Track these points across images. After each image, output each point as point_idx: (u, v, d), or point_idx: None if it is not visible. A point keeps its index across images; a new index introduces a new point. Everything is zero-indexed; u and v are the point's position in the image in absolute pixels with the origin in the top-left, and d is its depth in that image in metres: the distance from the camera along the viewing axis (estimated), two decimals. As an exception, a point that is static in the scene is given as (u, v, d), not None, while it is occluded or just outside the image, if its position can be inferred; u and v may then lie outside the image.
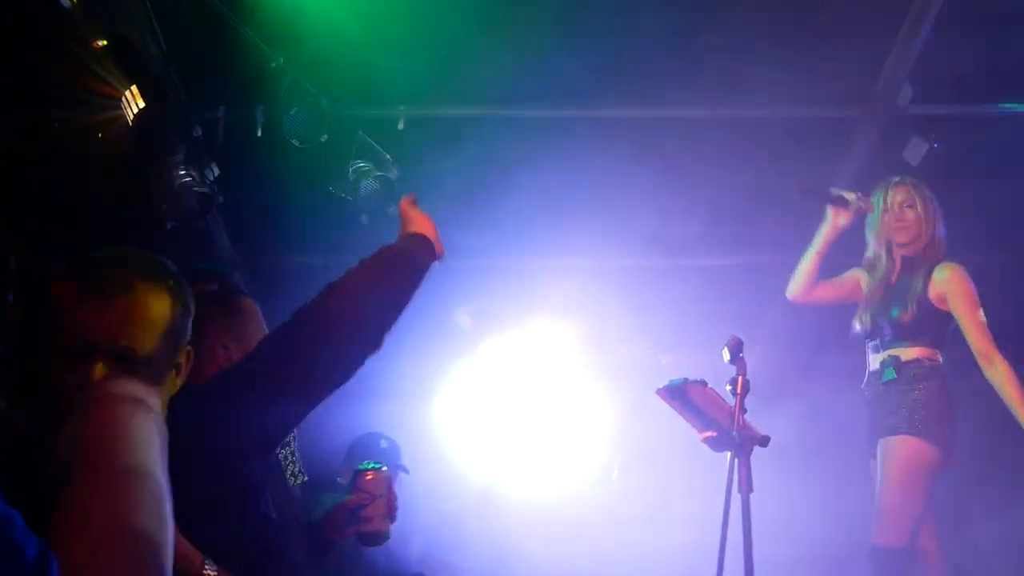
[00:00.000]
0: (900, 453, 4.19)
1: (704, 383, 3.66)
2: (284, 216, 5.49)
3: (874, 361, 4.41)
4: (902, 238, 4.49)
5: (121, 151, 4.56)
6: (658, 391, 3.79)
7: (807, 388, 6.06)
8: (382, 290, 2.28)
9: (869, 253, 4.62)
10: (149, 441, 1.25)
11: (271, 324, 5.90)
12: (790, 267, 4.99)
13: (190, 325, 1.86)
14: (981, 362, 4.19)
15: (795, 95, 5.21)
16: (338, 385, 2.24)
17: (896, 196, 4.56)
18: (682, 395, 3.69)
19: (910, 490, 4.17)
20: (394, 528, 2.86)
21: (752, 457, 3.50)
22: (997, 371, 4.13)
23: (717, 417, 3.63)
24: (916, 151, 5.26)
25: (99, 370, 1.66)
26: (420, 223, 2.52)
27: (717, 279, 6.36)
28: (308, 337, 2.10)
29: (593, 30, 4.73)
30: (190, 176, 4.62)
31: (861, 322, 4.50)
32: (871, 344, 4.45)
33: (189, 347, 1.87)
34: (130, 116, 4.45)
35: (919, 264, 4.44)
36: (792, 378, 6.15)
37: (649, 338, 6.24)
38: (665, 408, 3.82)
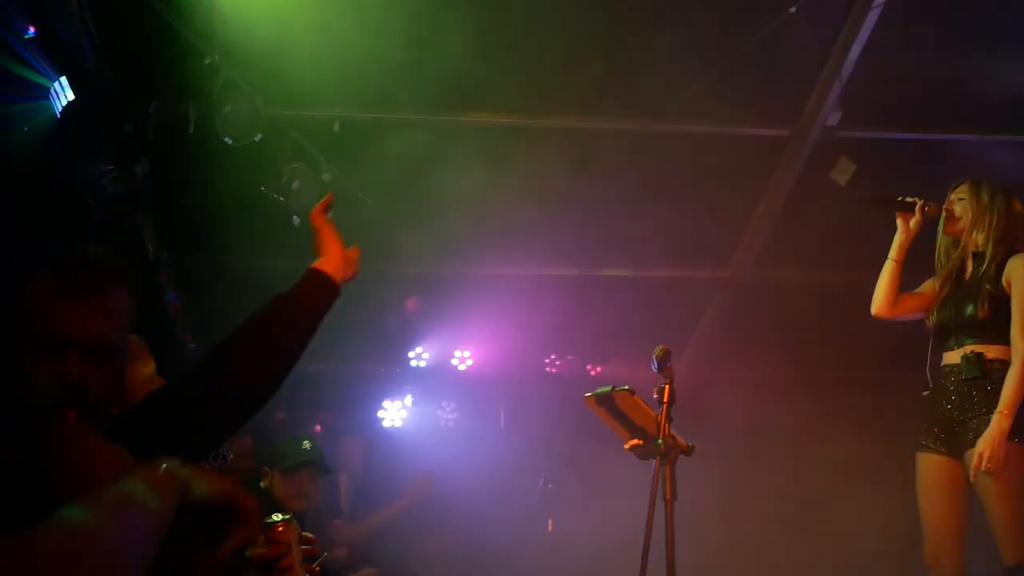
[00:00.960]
0: (1016, 463, 3.88)
1: (631, 391, 3.66)
2: (214, 215, 5.40)
3: (953, 356, 4.14)
4: (950, 229, 4.26)
5: (48, 142, 4.45)
6: (586, 398, 3.78)
7: (735, 399, 6.16)
8: (277, 349, 2.20)
9: (938, 255, 4.38)
10: None
11: (198, 324, 5.81)
12: (720, 281, 5.03)
13: None
14: (1012, 345, 3.98)
15: (728, 113, 5.30)
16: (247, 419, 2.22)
17: (952, 192, 4.32)
18: (609, 403, 3.68)
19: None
20: None
21: (677, 465, 3.51)
22: (1016, 361, 3.93)
23: (644, 425, 3.63)
24: (844, 172, 5.37)
25: (75, 364, 1.70)
26: (327, 247, 2.37)
27: (648, 291, 6.41)
28: (209, 393, 2.06)
29: (530, 40, 4.74)
30: (118, 170, 4.52)
31: (934, 321, 4.24)
32: (947, 343, 4.20)
33: None
34: (58, 108, 4.35)
35: (990, 259, 4.15)
36: (721, 388, 6.23)
37: (579, 347, 6.27)
38: (593, 416, 3.82)
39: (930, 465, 4.12)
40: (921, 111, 5.36)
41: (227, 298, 5.09)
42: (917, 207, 4.26)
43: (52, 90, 4.40)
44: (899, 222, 4.34)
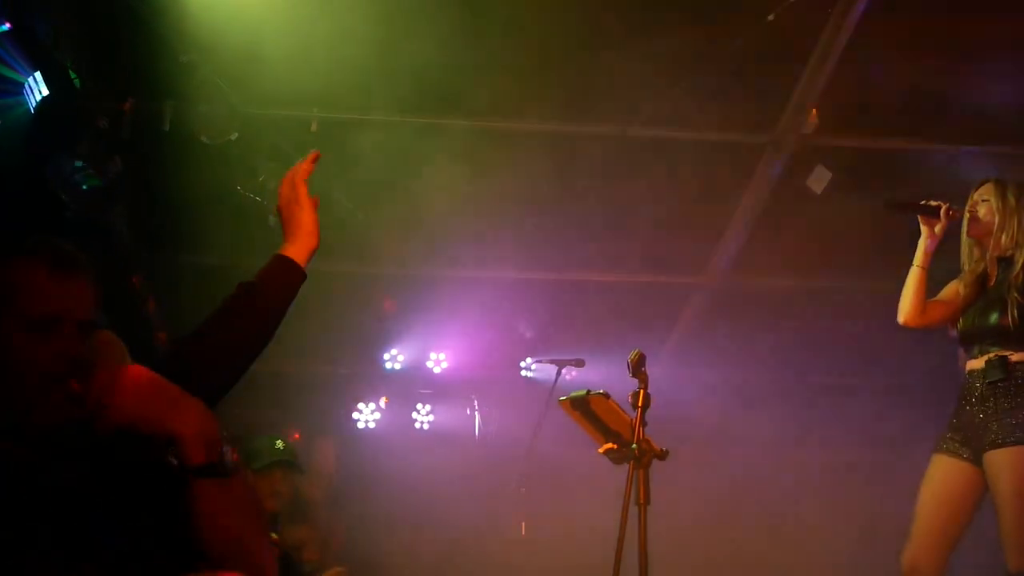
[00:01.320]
0: None
1: (606, 395, 3.65)
2: (189, 214, 5.34)
3: (977, 362, 4.03)
4: (974, 232, 4.12)
5: (20, 139, 4.39)
6: (561, 402, 3.77)
7: (709, 403, 6.17)
8: (242, 339, 2.23)
9: (963, 258, 4.23)
10: None
11: (172, 322, 5.75)
12: (696, 286, 5.03)
13: None
14: None
15: (706, 120, 5.31)
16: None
17: (976, 194, 4.17)
18: (584, 407, 3.66)
19: None
20: None
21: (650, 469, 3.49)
22: None
23: (618, 429, 3.62)
24: (820, 179, 5.40)
25: (71, 339, 1.82)
26: (299, 223, 2.33)
27: (623, 296, 6.41)
28: (187, 373, 2.05)
29: (508, 46, 4.72)
30: (92, 167, 4.46)
31: (959, 327, 4.14)
32: (971, 350, 4.10)
33: None
34: (32, 103, 4.29)
35: (1014, 264, 4.03)
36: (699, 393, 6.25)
37: (555, 351, 6.25)
38: (568, 419, 3.81)
39: (946, 468, 4.01)
40: (895, 121, 5.38)
41: (201, 296, 5.02)
42: (942, 212, 4.09)
43: (26, 85, 4.34)
44: (923, 228, 4.16)
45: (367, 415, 7.08)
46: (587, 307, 6.25)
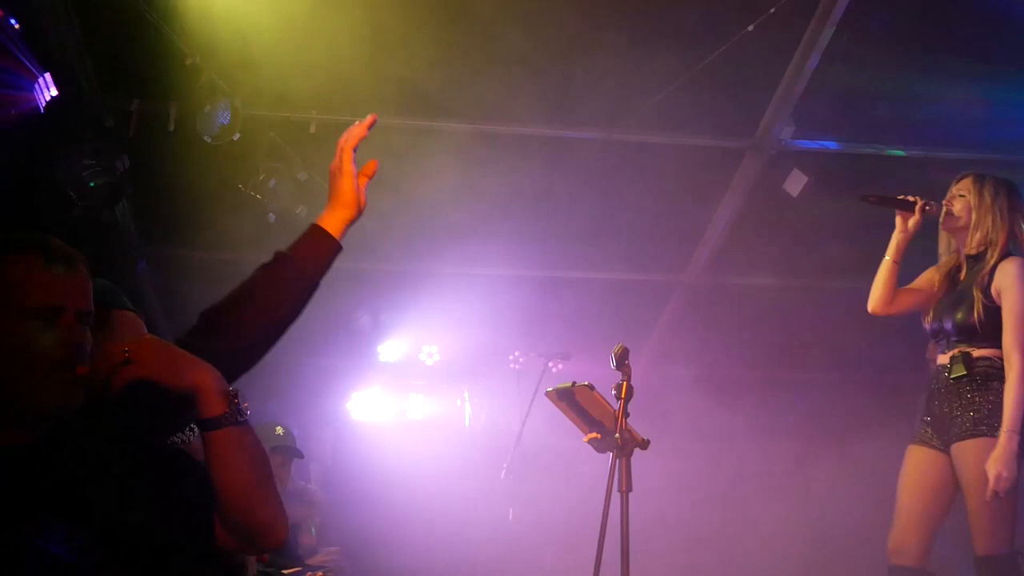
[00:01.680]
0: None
1: (591, 387, 3.72)
2: (192, 211, 5.41)
3: (944, 357, 4.08)
4: (948, 226, 4.11)
5: (30, 137, 4.45)
6: (547, 393, 3.84)
7: (690, 395, 6.26)
8: (274, 306, 2.16)
9: (940, 248, 4.24)
10: None
11: (172, 316, 5.81)
12: (677, 284, 5.09)
13: None
14: (1004, 357, 3.90)
15: (688, 126, 5.40)
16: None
17: (955, 187, 4.15)
18: (569, 398, 3.73)
19: (1011, 495, 3.81)
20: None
21: (632, 458, 3.57)
22: (1011, 375, 3.85)
23: (602, 420, 3.69)
24: (796, 183, 5.48)
25: (72, 328, 1.82)
26: (341, 191, 2.21)
27: (608, 293, 6.49)
28: (203, 352, 2.01)
29: (495, 53, 4.79)
30: (99, 165, 4.53)
31: (928, 321, 4.15)
32: (939, 344, 4.13)
33: None
34: (42, 102, 4.35)
35: (984, 263, 4.04)
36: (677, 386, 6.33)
37: (542, 345, 6.33)
38: (554, 409, 3.89)
39: (919, 457, 4.09)
40: (870, 126, 5.47)
41: (204, 292, 5.10)
42: (917, 207, 4.08)
43: (36, 85, 4.40)
44: (898, 221, 4.16)
45: (361, 405, 7.15)
46: (573, 303, 6.34)
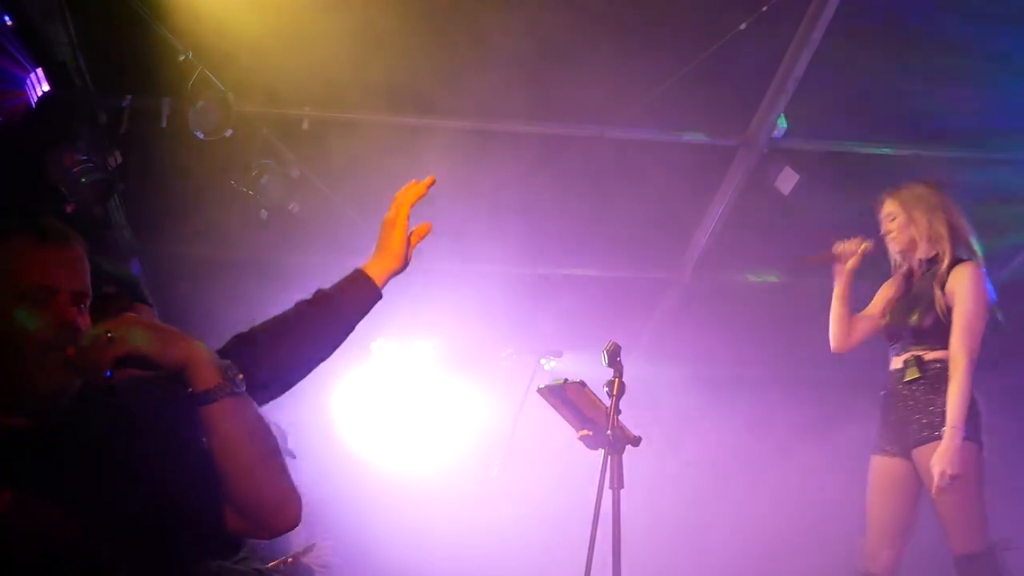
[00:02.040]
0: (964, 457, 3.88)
1: (583, 384, 3.70)
2: (185, 207, 5.36)
3: (896, 362, 4.14)
4: (896, 248, 4.21)
5: (22, 133, 4.39)
6: (539, 390, 3.83)
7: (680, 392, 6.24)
8: (308, 345, 2.20)
9: (892, 264, 4.32)
10: None
11: (165, 311, 5.75)
12: (669, 281, 5.07)
13: None
14: (951, 358, 3.95)
15: (681, 123, 5.37)
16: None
17: (882, 214, 4.26)
18: (562, 395, 3.73)
19: (976, 492, 3.91)
20: None
21: (624, 455, 3.55)
22: (956, 375, 3.91)
23: (593, 416, 3.68)
24: (787, 181, 5.46)
25: (66, 308, 1.79)
26: (389, 245, 2.26)
27: (599, 290, 6.46)
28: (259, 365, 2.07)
29: (487, 52, 4.75)
30: (92, 161, 4.47)
31: (884, 326, 4.23)
32: (893, 348, 4.20)
33: None
34: (34, 98, 4.30)
35: (938, 265, 4.10)
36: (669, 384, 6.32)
37: (534, 342, 6.31)
38: (546, 406, 3.86)
39: (880, 467, 4.15)
40: (862, 125, 5.44)
41: (196, 287, 5.06)
42: (838, 267, 4.24)
43: (28, 80, 4.35)
44: (835, 274, 4.29)
45: (352, 401, 7.11)
46: (565, 301, 6.30)
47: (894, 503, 4.09)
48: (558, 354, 6.09)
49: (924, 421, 3.97)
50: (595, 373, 3.68)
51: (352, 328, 2.24)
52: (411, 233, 2.29)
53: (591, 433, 3.70)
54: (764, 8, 4.63)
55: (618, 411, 3.58)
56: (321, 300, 2.22)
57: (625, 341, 3.72)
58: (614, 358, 3.62)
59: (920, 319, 4.07)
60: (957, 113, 5.28)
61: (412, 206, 2.28)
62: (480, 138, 5.33)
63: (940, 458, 3.83)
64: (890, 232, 4.20)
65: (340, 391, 7.11)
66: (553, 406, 3.83)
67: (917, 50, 4.95)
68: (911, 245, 4.19)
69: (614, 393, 3.59)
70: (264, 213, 5.08)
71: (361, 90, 4.91)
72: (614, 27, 4.72)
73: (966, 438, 3.85)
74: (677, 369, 6.51)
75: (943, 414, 3.90)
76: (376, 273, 2.26)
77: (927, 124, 5.36)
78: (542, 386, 3.82)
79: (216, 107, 4.64)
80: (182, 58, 4.56)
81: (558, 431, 4.06)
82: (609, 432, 3.54)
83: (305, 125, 5.05)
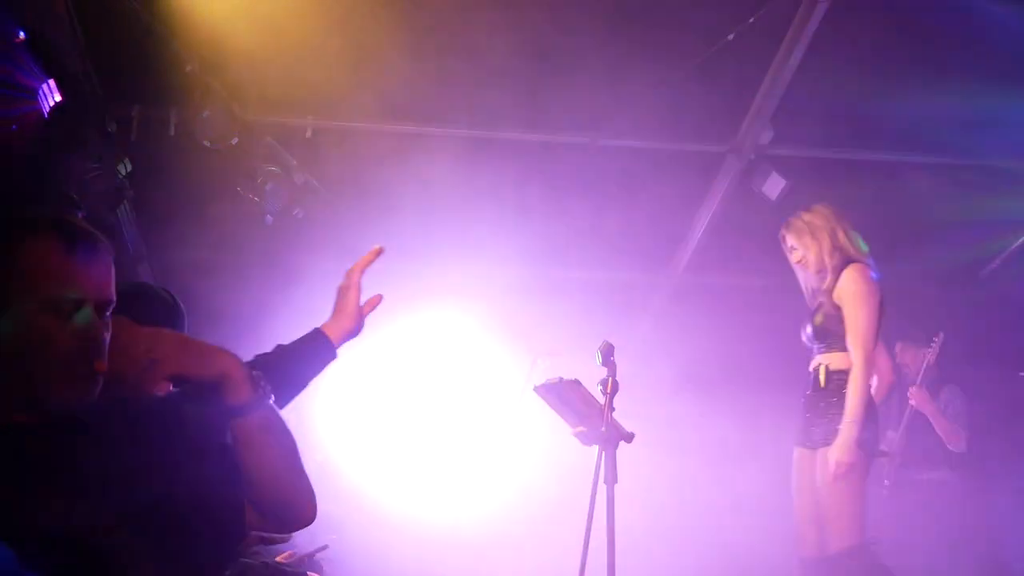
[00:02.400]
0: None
1: (577, 382, 3.76)
2: (192, 213, 5.42)
3: (811, 365, 4.36)
4: (806, 277, 4.46)
5: (35, 141, 4.45)
6: (535, 388, 3.89)
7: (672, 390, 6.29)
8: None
9: (805, 288, 4.55)
10: None
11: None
12: (661, 284, 5.08)
13: None
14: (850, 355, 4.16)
15: (669, 131, 5.44)
16: None
17: (784, 247, 4.51)
18: (557, 393, 3.79)
19: (857, 493, 4.11)
20: None
21: (617, 451, 3.61)
22: (854, 372, 4.11)
23: (588, 414, 3.74)
24: (774, 186, 5.53)
25: (90, 320, 1.70)
26: (345, 309, 2.35)
27: (593, 291, 6.52)
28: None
29: (482, 62, 4.81)
30: (102, 169, 4.53)
31: (802, 333, 4.46)
32: (810, 354, 4.40)
33: None
34: (47, 108, 4.35)
35: (830, 272, 4.35)
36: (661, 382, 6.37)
37: (529, 341, 6.36)
38: (542, 404, 3.93)
39: (797, 457, 4.37)
40: (847, 132, 5.51)
41: (203, 291, 5.12)
42: None
43: (41, 91, 4.40)
44: None
45: (347, 403, 7.12)
46: (559, 302, 6.36)
47: (809, 491, 4.27)
48: (553, 354, 6.15)
49: (825, 426, 4.18)
50: (589, 372, 3.74)
51: (306, 385, 2.29)
52: (364, 304, 2.39)
53: (585, 429, 3.76)
54: (752, 19, 4.71)
55: (612, 408, 3.64)
56: (281, 357, 2.25)
57: (618, 341, 3.79)
58: (608, 357, 3.68)
59: (815, 323, 4.33)
60: (942, 121, 5.34)
61: (362, 273, 2.40)
62: (477, 146, 5.40)
63: (837, 448, 4.05)
64: (805, 263, 4.44)
65: (334, 393, 7.14)
66: (549, 403, 3.89)
67: (902, 59, 5.01)
68: (818, 268, 4.42)
69: (608, 391, 3.65)
70: (269, 219, 5.15)
71: (361, 100, 4.97)
72: (606, 40, 4.79)
73: (860, 433, 4.06)
74: (668, 368, 6.57)
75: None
76: (333, 334, 2.33)
77: (912, 132, 5.42)
78: (538, 384, 3.88)
79: (222, 116, 4.71)
80: (189, 69, 4.62)
81: (553, 428, 4.13)
82: (603, 429, 3.61)
83: (308, 133, 5.12)
